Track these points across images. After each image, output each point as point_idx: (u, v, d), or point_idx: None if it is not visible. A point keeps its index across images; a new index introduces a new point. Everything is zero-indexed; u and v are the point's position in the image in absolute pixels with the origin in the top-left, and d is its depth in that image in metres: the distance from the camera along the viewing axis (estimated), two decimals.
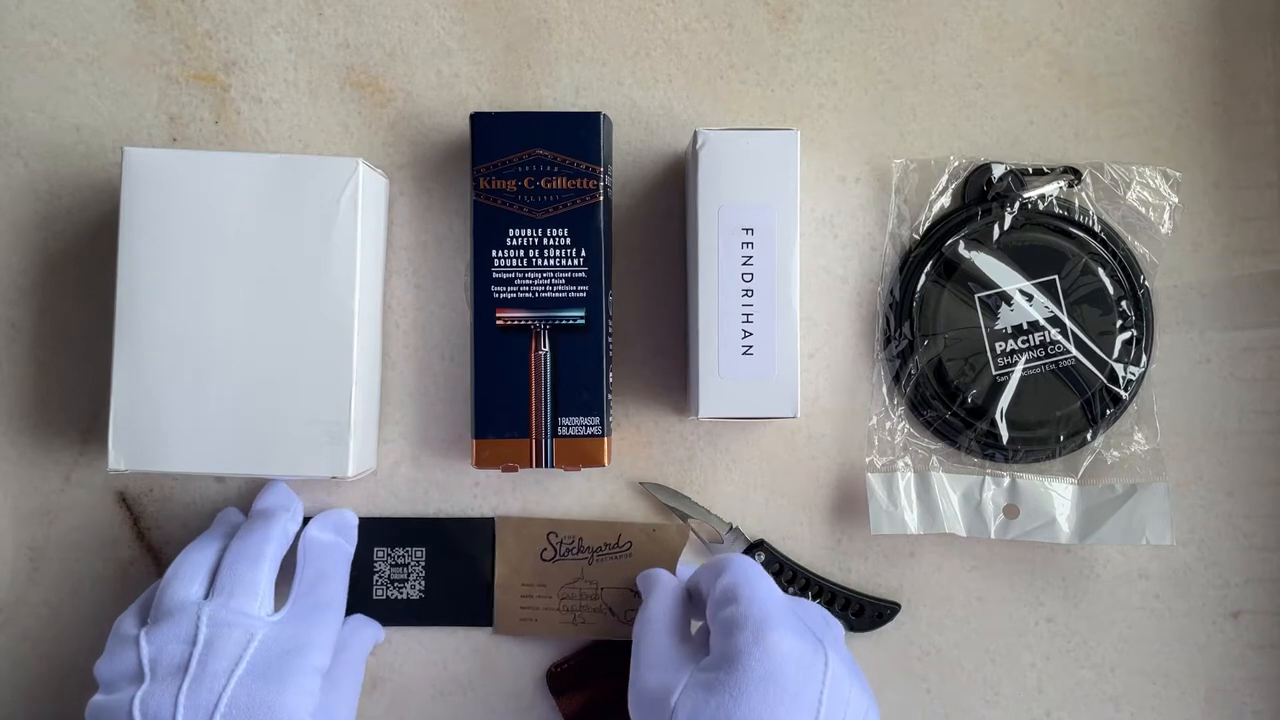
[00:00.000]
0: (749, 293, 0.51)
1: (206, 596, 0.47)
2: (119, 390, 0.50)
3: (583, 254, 0.53)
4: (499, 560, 0.56)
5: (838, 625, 0.52)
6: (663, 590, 0.51)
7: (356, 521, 0.55)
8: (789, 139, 0.51)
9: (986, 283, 0.56)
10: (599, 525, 0.56)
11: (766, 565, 0.55)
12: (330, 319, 0.51)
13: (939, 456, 0.56)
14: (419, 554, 0.56)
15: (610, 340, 0.54)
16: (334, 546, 0.53)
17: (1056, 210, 0.56)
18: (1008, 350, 0.55)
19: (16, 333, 0.57)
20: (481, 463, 0.52)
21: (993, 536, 0.55)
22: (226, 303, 0.50)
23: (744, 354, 0.51)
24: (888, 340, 0.57)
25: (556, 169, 0.53)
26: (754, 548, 0.56)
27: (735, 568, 0.48)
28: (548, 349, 0.52)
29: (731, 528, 0.56)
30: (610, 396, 0.53)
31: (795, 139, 0.51)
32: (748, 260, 0.51)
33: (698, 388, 0.51)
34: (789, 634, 0.44)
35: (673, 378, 0.57)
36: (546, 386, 0.52)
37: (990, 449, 0.56)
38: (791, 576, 0.56)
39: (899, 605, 0.56)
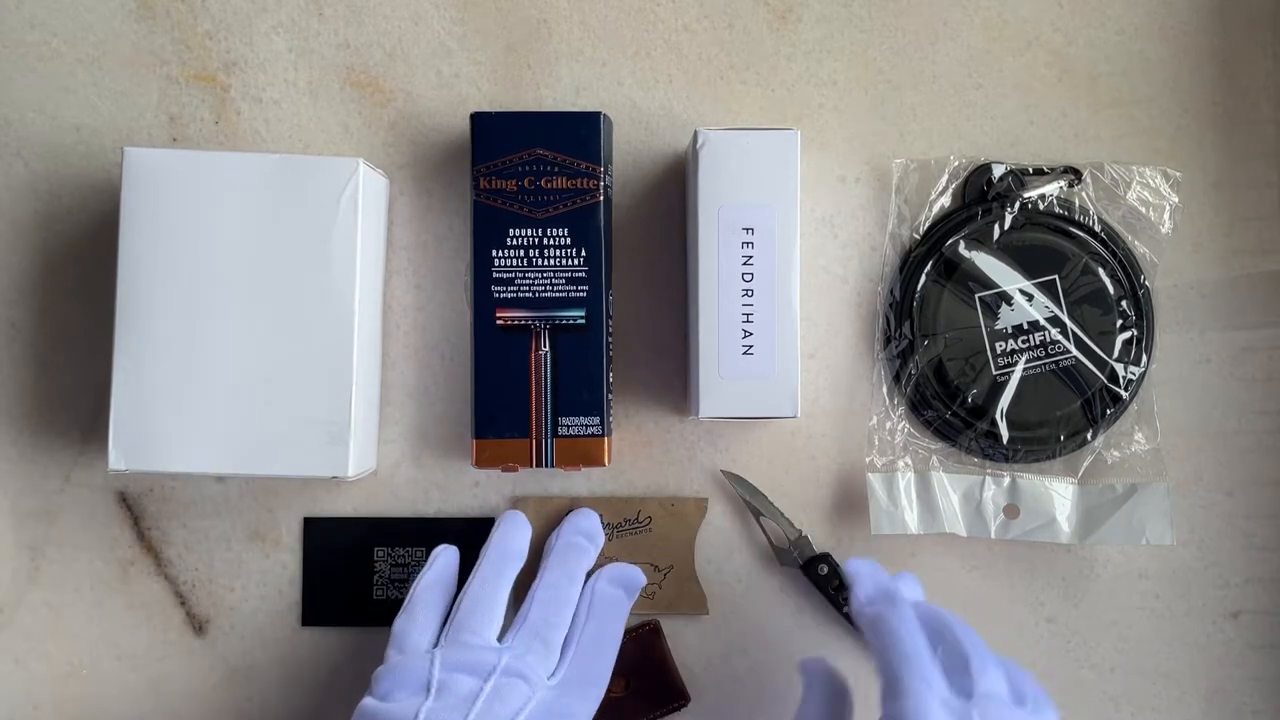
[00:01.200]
0: (749, 293, 0.51)
1: (501, 633, 0.50)
2: (119, 390, 0.50)
3: (583, 254, 0.53)
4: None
5: (1029, 698, 0.44)
6: (816, 687, 0.50)
7: (644, 582, 0.54)
8: (789, 139, 0.51)
9: (987, 283, 0.56)
10: (619, 501, 0.56)
11: (827, 580, 0.55)
12: (330, 319, 0.51)
13: (939, 456, 0.56)
14: (419, 554, 0.56)
15: (610, 340, 0.54)
16: (619, 604, 0.53)
17: (1057, 210, 0.56)
18: (1008, 350, 0.55)
19: (16, 333, 0.57)
20: (481, 463, 0.52)
21: (993, 536, 0.55)
22: (226, 302, 0.50)
23: (744, 354, 0.51)
24: (888, 340, 0.57)
25: (557, 169, 0.53)
26: (818, 560, 0.55)
27: (896, 657, 0.44)
28: (548, 349, 0.52)
29: (800, 535, 0.56)
30: (610, 396, 0.53)
31: (795, 139, 0.51)
32: (748, 260, 0.51)
33: (698, 388, 0.51)
34: None
35: (673, 378, 0.57)
36: (546, 386, 0.52)
37: (990, 449, 0.56)
38: (848, 596, 0.56)
39: None
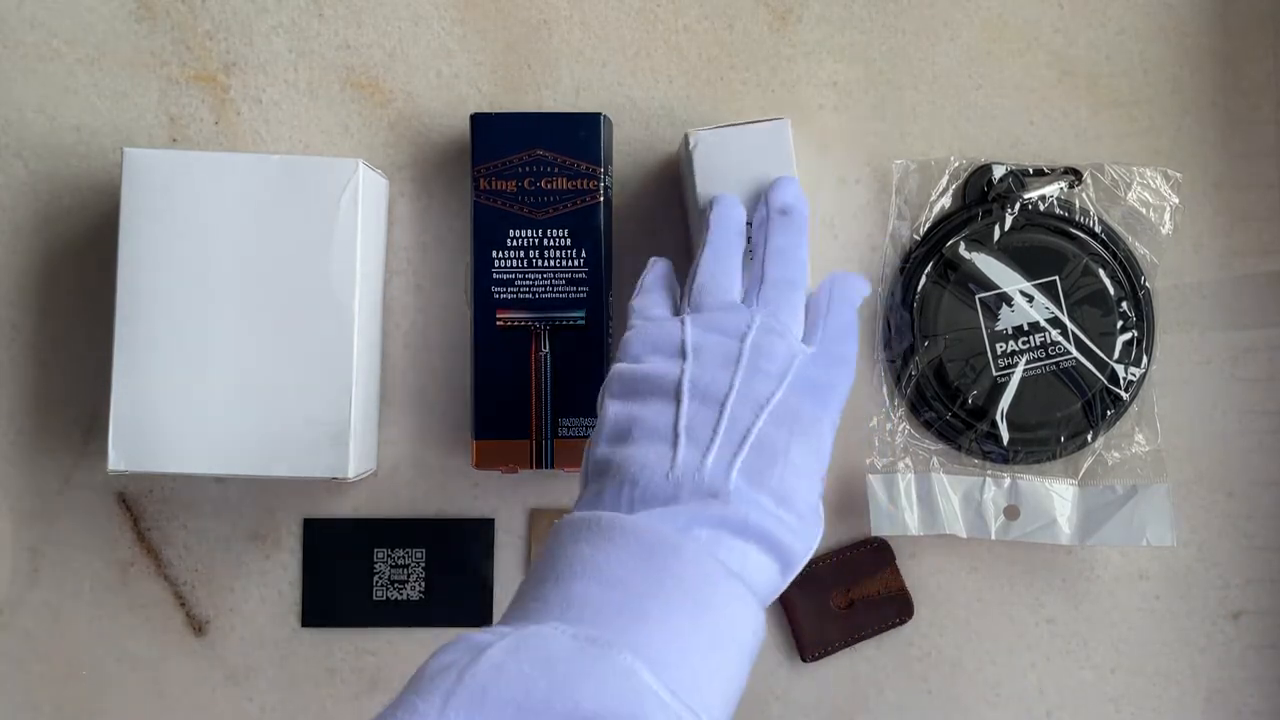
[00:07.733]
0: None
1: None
2: (119, 390, 0.50)
3: (583, 254, 0.53)
4: (534, 553, 0.56)
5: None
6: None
7: (869, 291, 0.49)
8: (780, 128, 0.51)
9: (987, 284, 0.56)
10: None
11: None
12: (330, 319, 0.51)
13: (939, 457, 0.56)
14: (419, 555, 0.56)
15: (611, 341, 0.54)
16: (855, 298, 0.48)
17: (1057, 211, 0.56)
18: (1008, 351, 0.55)
19: (16, 333, 0.57)
20: (481, 464, 0.52)
21: (993, 537, 0.55)
22: (227, 303, 0.50)
23: None
24: (888, 341, 0.57)
25: (556, 169, 0.53)
26: None
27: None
28: (548, 349, 0.52)
29: None
30: None
31: (786, 127, 0.51)
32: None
33: None
34: None
35: None
36: (546, 387, 0.52)
37: (991, 450, 0.56)
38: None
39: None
